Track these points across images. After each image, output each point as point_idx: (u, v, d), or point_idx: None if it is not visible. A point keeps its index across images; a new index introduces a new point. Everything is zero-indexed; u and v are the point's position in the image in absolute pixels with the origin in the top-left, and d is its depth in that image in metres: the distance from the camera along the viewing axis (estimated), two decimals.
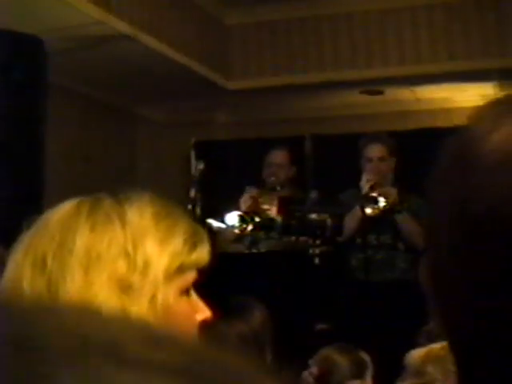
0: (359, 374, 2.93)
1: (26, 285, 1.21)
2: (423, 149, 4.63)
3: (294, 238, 5.03)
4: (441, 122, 6.50)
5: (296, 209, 5.18)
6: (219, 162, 6.66)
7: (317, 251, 4.91)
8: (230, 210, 5.05)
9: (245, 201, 5.16)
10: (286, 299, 4.56)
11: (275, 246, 5.06)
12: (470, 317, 0.61)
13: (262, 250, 5.00)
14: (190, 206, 4.72)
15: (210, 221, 4.93)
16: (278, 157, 5.52)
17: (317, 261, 4.91)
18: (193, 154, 5.42)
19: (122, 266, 1.23)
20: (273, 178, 5.40)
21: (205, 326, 1.33)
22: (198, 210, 4.82)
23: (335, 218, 5.19)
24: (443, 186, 0.64)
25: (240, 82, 6.73)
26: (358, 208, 4.99)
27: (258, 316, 2.11)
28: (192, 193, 4.88)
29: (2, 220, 3.79)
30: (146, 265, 1.24)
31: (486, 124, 0.62)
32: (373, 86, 6.86)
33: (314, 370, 2.88)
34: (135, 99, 7.18)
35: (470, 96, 6.39)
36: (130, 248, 1.24)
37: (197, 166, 5.09)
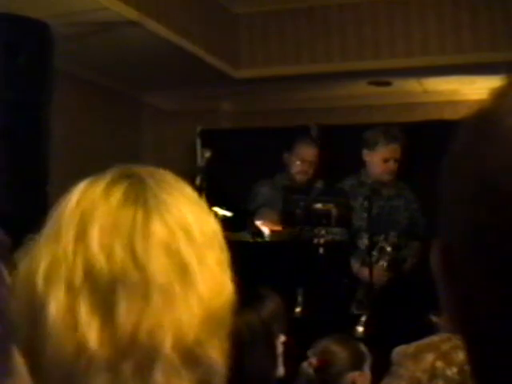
0: (358, 365, 2.94)
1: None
2: (430, 140, 4.61)
3: (298, 227, 5.01)
4: (448, 115, 6.49)
5: (300, 198, 5.16)
6: (225, 151, 6.64)
7: (321, 241, 4.90)
8: (234, 199, 5.04)
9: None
10: (289, 289, 4.55)
11: (280, 235, 5.04)
12: (483, 305, 0.59)
13: (267, 239, 4.99)
14: None
15: (216, 209, 4.92)
16: (312, 154, 5.53)
17: (321, 251, 4.90)
18: (199, 143, 5.40)
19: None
20: (304, 176, 5.42)
21: None
22: (204, 198, 4.80)
23: (340, 207, 5.17)
24: (464, 162, 0.61)
25: (247, 71, 6.72)
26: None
27: (268, 306, 2.13)
28: (197, 181, 4.87)
29: (4, 207, 3.78)
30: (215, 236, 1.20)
31: (510, 98, 0.60)
32: (380, 77, 6.84)
33: (314, 360, 2.88)
34: (141, 86, 7.17)
35: (478, 89, 6.36)
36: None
37: (203, 155, 5.08)
